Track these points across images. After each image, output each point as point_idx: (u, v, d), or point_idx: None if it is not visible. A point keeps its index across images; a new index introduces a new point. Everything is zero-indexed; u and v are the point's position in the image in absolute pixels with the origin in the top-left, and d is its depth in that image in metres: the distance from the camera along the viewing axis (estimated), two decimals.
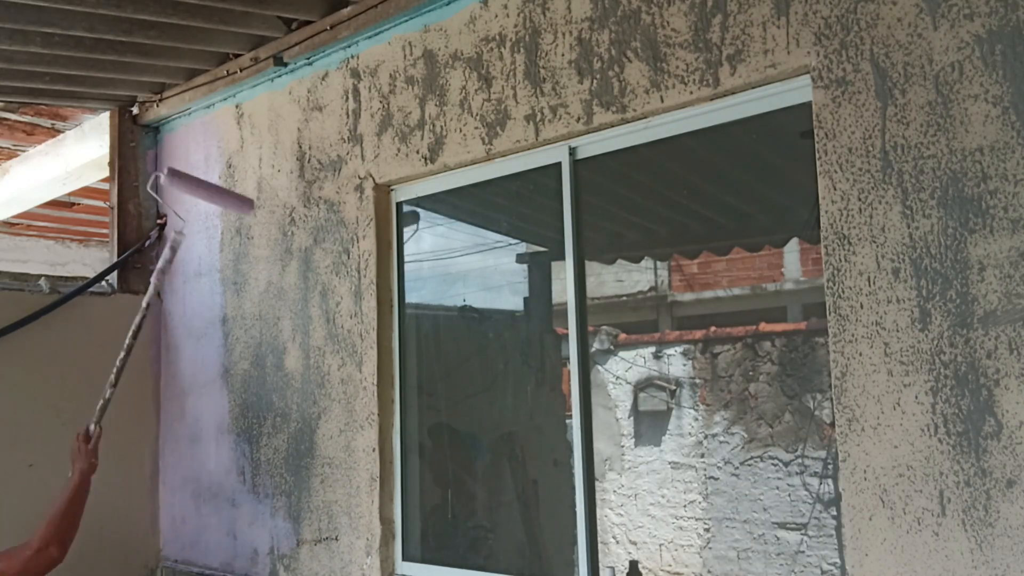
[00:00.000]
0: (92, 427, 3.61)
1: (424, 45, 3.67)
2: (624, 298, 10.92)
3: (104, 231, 7.28)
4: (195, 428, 4.65)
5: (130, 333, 3.76)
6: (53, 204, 6.57)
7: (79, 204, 6.76)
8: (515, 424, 4.06)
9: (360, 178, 3.89)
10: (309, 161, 4.14)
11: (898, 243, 2.39)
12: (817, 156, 2.58)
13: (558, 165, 3.30)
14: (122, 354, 3.72)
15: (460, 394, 4.09)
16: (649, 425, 8.38)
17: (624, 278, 10.94)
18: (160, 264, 3.80)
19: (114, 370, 3.71)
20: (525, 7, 3.33)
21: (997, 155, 2.24)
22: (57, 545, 3.26)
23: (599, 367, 8.67)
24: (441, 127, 3.58)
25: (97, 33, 3.87)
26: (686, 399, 8.23)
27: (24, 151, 5.76)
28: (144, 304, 3.75)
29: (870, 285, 2.44)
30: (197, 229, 4.75)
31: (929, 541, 2.30)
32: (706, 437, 7.99)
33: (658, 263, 10.66)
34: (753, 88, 2.77)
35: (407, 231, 3.92)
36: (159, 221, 4.98)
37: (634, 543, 8.12)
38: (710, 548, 7.64)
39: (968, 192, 2.28)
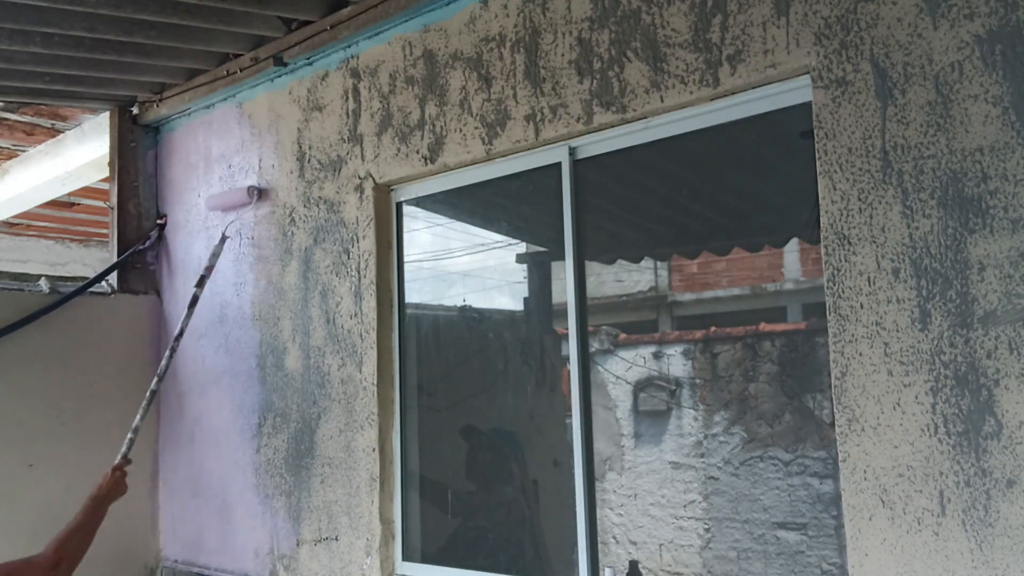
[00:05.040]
0: (120, 459, 3.74)
1: (424, 45, 3.67)
2: (624, 298, 10.91)
3: (104, 231, 7.28)
4: (195, 428, 4.65)
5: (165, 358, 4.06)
6: (53, 204, 6.57)
7: (79, 204, 6.76)
8: (515, 424, 4.06)
9: (360, 178, 3.89)
10: (309, 161, 4.14)
11: (898, 243, 2.39)
12: (817, 156, 2.58)
13: (558, 165, 3.30)
14: (154, 383, 4.02)
15: (460, 394, 4.09)
16: (649, 425, 8.37)
17: (624, 278, 10.93)
18: (203, 272, 4.20)
19: (143, 403, 3.94)
20: (525, 7, 3.33)
21: (997, 155, 2.24)
22: (69, 563, 3.24)
23: (599, 367, 8.66)
24: (441, 127, 3.58)
25: (97, 33, 3.87)
26: (686, 399, 8.22)
27: (24, 151, 5.76)
28: (185, 317, 4.12)
29: (870, 285, 2.44)
30: (197, 229, 4.75)
31: (929, 541, 2.30)
32: (706, 437, 7.99)
33: (658, 263, 10.64)
34: (753, 88, 2.77)
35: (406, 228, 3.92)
36: (159, 221, 4.99)
37: (634, 543, 8.11)
38: (710, 548, 7.64)
39: (968, 192, 2.28)
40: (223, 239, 4.27)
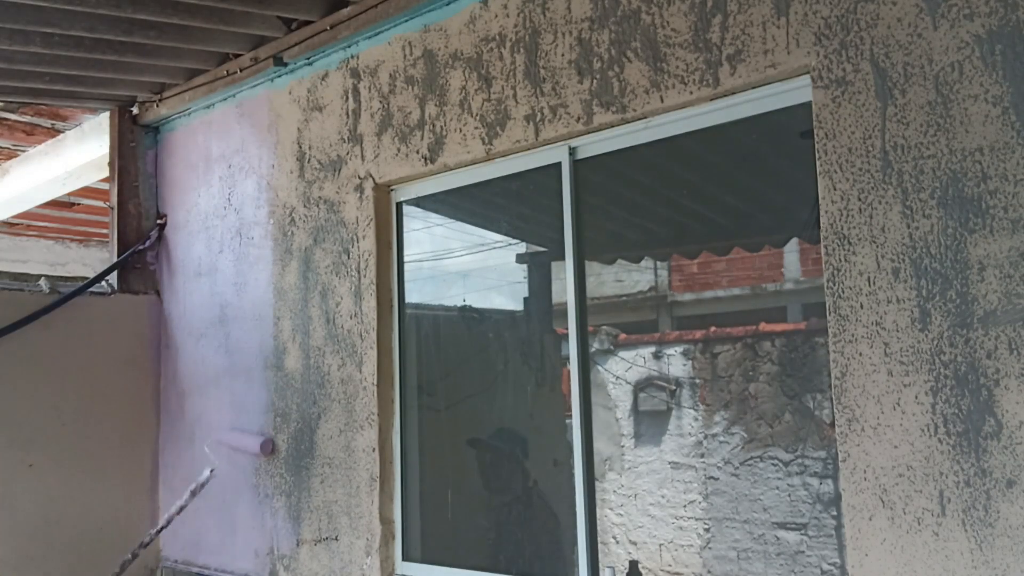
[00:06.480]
0: None
1: (424, 45, 3.67)
2: (624, 298, 10.90)
3: (104, 231, 7.28)
4: (195, 428, 4.65)
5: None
6: (53, 204, 6.56)
7: (79, 204, 6.76)
8: (515, 424, 4.06)
9: (360, 178, 3.89)
10: (309, 161, 4.14)
11: (898, 243, 2.39)
12: (817, 156, 2.58)
13: (558, 165, 3.30)
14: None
15: (460, 394, 4.09)
16: (649, 425, 8.37)
17: (624, 278, 10.92)
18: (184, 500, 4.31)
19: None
20: (525, 7, 3.33)
21: (997, 155, 2.24)
22: None
23: (599, 367, 8.66)
24: (441, 127, 3.58)
25: (97, 33, 3.87)
26: (686, 399, 8.22)
27: (24, 151, 5.76)
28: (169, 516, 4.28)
29: (870, 285, 2.44)
30: (197, 229, 4.75)
31: (929, 541, 2.30)
32: (706, 437, 7.99)
33: (658, 263, 10.64)
34: (753, 88, 2.77)
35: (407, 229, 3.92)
36: (159, 221, 4.99)
37: (634, 543, 8.11)
38: (710, 548, 7.64)
39: (968, 192, 2.28)
40: (210, 472, 4.31)
